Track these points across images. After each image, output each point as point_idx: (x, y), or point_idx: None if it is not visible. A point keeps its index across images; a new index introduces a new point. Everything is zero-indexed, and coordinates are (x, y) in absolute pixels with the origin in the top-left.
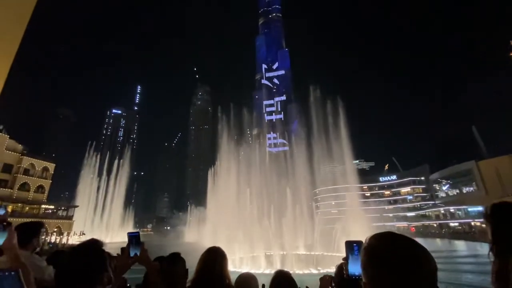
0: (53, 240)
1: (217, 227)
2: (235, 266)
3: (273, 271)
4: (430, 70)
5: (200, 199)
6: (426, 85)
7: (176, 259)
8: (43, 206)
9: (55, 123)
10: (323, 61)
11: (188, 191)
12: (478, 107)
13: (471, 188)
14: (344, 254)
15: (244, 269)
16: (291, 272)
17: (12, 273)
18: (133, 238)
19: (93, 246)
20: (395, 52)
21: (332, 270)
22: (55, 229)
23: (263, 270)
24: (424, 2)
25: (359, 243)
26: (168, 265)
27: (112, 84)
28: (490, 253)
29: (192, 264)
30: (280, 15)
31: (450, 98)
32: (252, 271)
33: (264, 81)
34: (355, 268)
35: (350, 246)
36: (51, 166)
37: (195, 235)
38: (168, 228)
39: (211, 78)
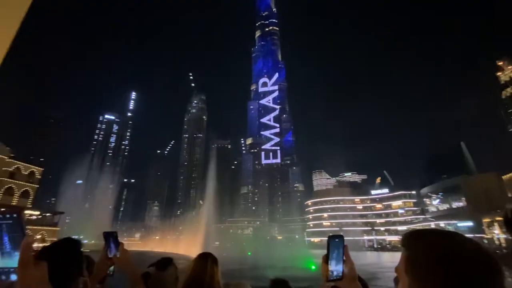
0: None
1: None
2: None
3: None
4: (425, 85)
5: (191, 208)
6: (419, 100)
7: (166, 264)
8: (26, 212)
9: (45, 126)
10: (319, 74)
11: (179, 200)
12: (468, 124)
13: (460, 203)
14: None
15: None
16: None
17: (14, 215)
18: (110, 237)
19: (68, 245)
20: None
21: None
22: (38, 237)
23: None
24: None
25: (341, 237)
26: (157, 271)
27: (106, 89)
28: None
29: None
30: (277, 28)
31: (442, 114)
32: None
33: (262, 102)
34: (337, 267)
35: (334, 241)
36: (39, 171)
37: (186, 247)
38: (158, 237)
39: (207, 86)
